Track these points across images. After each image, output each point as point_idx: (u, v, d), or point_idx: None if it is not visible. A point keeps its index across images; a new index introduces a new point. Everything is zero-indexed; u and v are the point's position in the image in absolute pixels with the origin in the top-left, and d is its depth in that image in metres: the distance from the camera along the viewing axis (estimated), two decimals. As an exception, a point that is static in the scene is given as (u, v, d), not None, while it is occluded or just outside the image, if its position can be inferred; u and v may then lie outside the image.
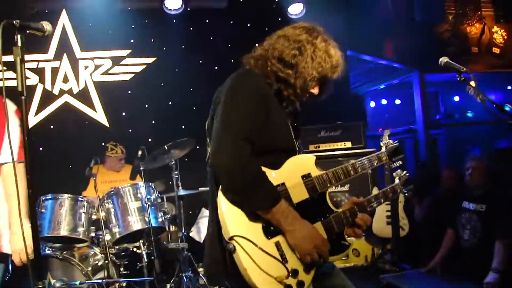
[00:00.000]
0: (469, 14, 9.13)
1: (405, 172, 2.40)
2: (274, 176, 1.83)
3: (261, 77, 1.93)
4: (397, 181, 2.35)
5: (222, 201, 1.73)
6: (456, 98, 10.80)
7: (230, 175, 1.71)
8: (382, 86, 9.56)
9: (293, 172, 1.90)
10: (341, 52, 2.04)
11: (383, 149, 2.33)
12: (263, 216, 1.74)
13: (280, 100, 1.96)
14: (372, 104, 10.38)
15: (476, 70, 8.78)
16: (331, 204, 1.98)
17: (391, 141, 2.37)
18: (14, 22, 1.62)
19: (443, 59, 2.65)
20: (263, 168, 1.80)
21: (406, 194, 2.38)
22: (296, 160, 1.93)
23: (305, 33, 1.97)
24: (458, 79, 2.63)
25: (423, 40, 8.39)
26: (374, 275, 4.80)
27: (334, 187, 2.05)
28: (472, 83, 2.60)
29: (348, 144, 5.61)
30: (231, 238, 1.68)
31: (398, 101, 10.46)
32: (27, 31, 1.72)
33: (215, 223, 1.81)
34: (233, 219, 1.71)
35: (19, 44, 1.63)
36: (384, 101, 10.30)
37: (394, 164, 2.35)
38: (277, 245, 1.76)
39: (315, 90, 2.02)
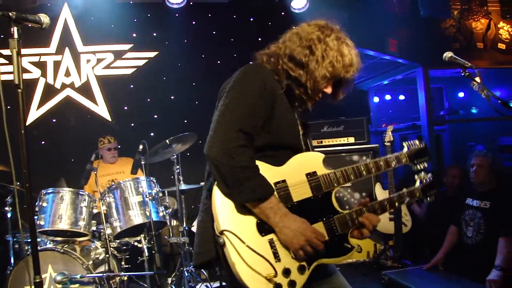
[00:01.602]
0: (475, 9, 9.05)
1: (429, 175, 2.28)
2: (275, 172, 1.80)
3: (270, 73, 1.90)
4: (417, 184, 2.23)
5: (215, 193, 1.71)
6: (461, 94, 10.74)
7: (217, 165, 1.70)
8: (385, 82, 9.50)
9: (297, 170, 1.86)
10: (356, 50, 1.99)
11: (405, 149, 2.22)
12: (253, 210, 1.72)
13: (290, 98, 1.93)
14: (376, 99, 10.32)
15: (481, 66, 8.73)
16: (336, 205, 1.93)
17: (417, 142, 2.27)
18: (10, 14, 1.60)
19: (447, 54, 2.62)
20: (264, 164, 1.78)
21: (428, 200, 2.26)
22: (302, 157, 1.90)
23: (317, 31, 1.91)
24: (462, 74, 2.59)
25: (428, 36, 8.34)
26: (376, 271, 4.80)
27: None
28: (477, 79, 2.57)
29: (351, 140, 5.60)
30: (222, 232, 1.66)
31: (402, 97, 10.40)
32: (25, 24, 1.69)
33: (205, 212, 1.81)
34: (226, 212, 1.70)
35: (16, 36, 1.60)
36: (387, 97, 10.24)
37: (417, 166, 2.23)
38: (271, 242, 1.74)
39: (328, 90, 1.96)
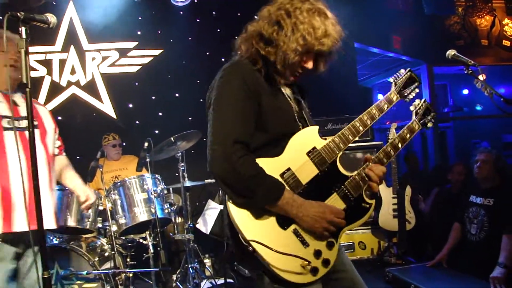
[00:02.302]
0: (479, 6, 9.03)
1: (423, 100, 2.27)
2: (277, 163, 1.79)
3: (247, 65, 1.84)
4: (413, 117, 2.21)
5: (230, 207, 1.72)
6: (465, 91, 10.71)
7: (226, 183, 1.70)
8: (389, 79, 9.50)
9: (297, 152, 1.84)
10: (331, 19, 1.84)
11: (393, 87, 2.16)
12: (271, 209, 1.73)
13: (271, 83, 1.88)
14: (380, 96, 10.30)
15: (486, 63, 8.71)
16: (344, 171, 1.93)
17: (402, 71, 2.20)
18: (19, 14, 1.62)
19: (451, 52, 2.63)
20: (265, 160, 1.77)
21: (428, 127, 2.26)
22: (298, 138, 1.86)
23: (287, 4, 1.82)
24: (465, 72, 2.60)
25: (432, 33, 8.33)
26: (380, 268, 4.81)
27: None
28: (481, 77, 2.58)
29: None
30: (248, 242, 1.68)
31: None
32: (33, 24, 1.71)
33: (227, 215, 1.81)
34: (245, 222, 1.71)
35: (24, 36, 1.62)
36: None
37: (408, 97, 2.19)
38: (295, 232, 1.77)
39: (309, 64, 1.88)
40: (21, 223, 2.32)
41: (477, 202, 4.13)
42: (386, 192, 5.18)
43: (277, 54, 1.81)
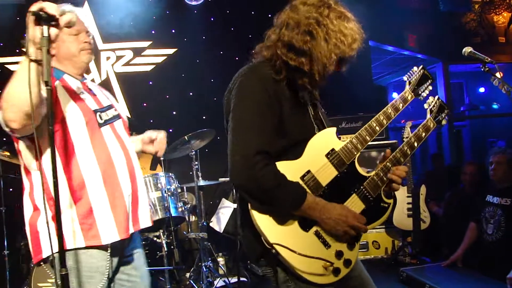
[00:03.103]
0: (497, 2, 8.91)
1: (436, 97, 2.25)
2: (297, 166, 1.80)
3: (268, 72, 1.82)
4: (428, 115, 2.20)
5: (253, 214, 1.72)
6: (481, 89, 10.59)
7: (249, 192, 1.71)
8: (403, 78, 9.43)
9: (316, 155, 1.85)
10: (354, 22, 1.84)
11: (407, 86, 2.15)
12: (294, 213, 1.74)
13: (293, 90, 1.85)
14: (395, 95, 10.25)
15: (503, 61, 8.60)
16: (362, 171, 1.94)
17: (415, 69, 2.18)
18: (41, 12, 1.63)
19: (467, 49, 2.59)
20: (285, 163, 1.76)
21: (443, 124, 2.24)
22: (316, 140, 1.86)
23: (315, 13, 1.79)
24: (482, 69, 2.57)
25: (448, 30, 8.24)
26: (394, 267, 4.78)
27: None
28: (498, 74, 2.54)
29: (370, 136, 5.56)
30: (271, 245, 1.69)
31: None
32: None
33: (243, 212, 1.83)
34: (268, 227, 1.72)
35: (45, 34, 1.63)
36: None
37: (422, 95, 2.18)
38: (317, 234, 1.78)
39: (342, 70, 1.91)
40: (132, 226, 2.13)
41: (493, 202, 4.08)
42: (400, 191, 5.14)
43: (312, 65, 1.78)
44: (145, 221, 2.25)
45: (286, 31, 1.81)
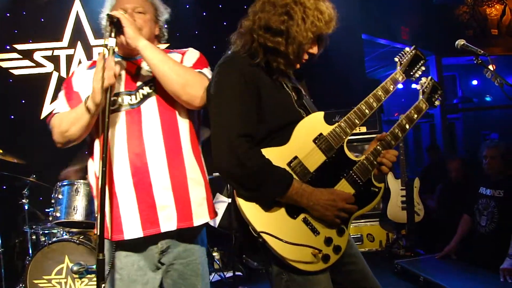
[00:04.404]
0: (489, -6, 8.93)
1: (429, 78, 2.21)
2: (284, 152, 1.77)
3: (243, 58, 1.83)
4: (420, 96, 2.17)
5: (239, 201, 1.72)
6: (474, 82, 10.63)
7: (233, 178, 1.70)
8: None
9: (304, 140, 1.82)
10: (327, 1, 1.85)
11: (398, 67, 2.11)
12: (281, 200, 1.73)
13: (271, 75, 1.85)
14: (388, 88, 10.25)
15: (496, 53, 8.63)
16: (351, 155, 1.91)
17: (407, 49, 2.15)
18: (114, 17, 1.85)
19: (460, 42, 2.60)
20: (271, 150, 1.75)
21: (436, 105, 2.20)
22: (303, 125, 1.83)
23: None
24: (475, 62, 2.58)
25: (440, 23, 8.25)
26: (388, 260, 4.81)
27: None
28: (491, 67, 2.55)
29: (363, 129, 5.58)
30: (258, 234, 1.68)
31: (414, 86, 10.33)
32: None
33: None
34: (254, 215, 1.70)
35: (113, 35, 1.85)
36: (399, 86, 10.14)
37: (414, 76, 2.15)
38: (305, 220, 1.76)
39: (314, 50, 1.88)
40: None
41: (487, 194, 4.11)
42: (394, 184, 5.16)
43: (288, 44, 1.78)
44: (167, 225, 1.97)
45: (262, 14, 1.82)
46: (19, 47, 5.84)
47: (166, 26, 2.32)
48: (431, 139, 9.64)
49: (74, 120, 1.95)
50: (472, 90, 10.57)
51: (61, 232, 4.06)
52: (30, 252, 4.13)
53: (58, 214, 3.93)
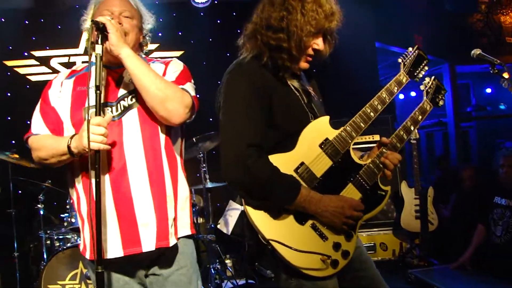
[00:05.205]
0: (504, 2, 8.86)
1: (432, 78, 2.20)
2: (291, 158, 1.78)
3: (252, 64, 1.83)
4: (424, 96, 2.14)
5: (248, 209, 1.73)
6: (488, 90, 10.54)
7: (241, 187, 1.72)
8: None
9: (310, 146, 1.82)
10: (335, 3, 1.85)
11: (401, 68, 2.08)
12: (289, 208, 1.73)
13: (280, 78, 1.86)
14: (401, 96, 10.21)
15: (510, 61, 8.55)
16: (357, 159, 1.91)
17: (410, 49, 2.13)
18: (100, 23, 1.76)
19: (476, 51, 2.58)
20: (278, 156, 1.75)
21: (440, 104, 2.18)
22: (309, 130, 1.83)
23: None
24: (491, 71, 2.56)
25: (454, 31, 8.21)
26: (402, 269, 4.76)
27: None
28: (505, 75, 2.53)
29: (377, 137, 5.55)
30: (267, 241, 1.69)
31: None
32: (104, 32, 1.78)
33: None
34: (263, 223, 1.71)
35: (99, 42, 1.76)
36: (413, 94, 10.12)
37: (418, 76, 2.12)
38: (313, 226, 1.77)
39: (320, 46, 1.85)
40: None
41: (502, 204, 4.07)
42: (408, 193, 5.12)
43: (290, 40, 1.79)
44: (148, 244, 1.87)
45: (263, 14, 1.84)
46: (37, 53, 5.94)
47: (149, 35, 2.25)
48: (444, 148, 9.57)
49: (54, 153, 1.85)
50: (486, 98, 10.48)
51: (75, 238, 4.10)
52: (45, 257, 4.17)
53: (73, 220, 3.97)
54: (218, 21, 6.60)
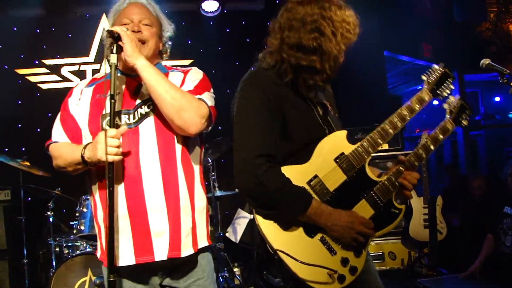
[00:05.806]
0: (512, 11, 8.85)
1: (458, 98, 2.13)
2: (304, 170, 1.78)
3: (268, 77, 1.82)
4: (447, 116, 2.09)
5: (258, 219, 1.74)
6: (497, 99, 10.49)
7: (252, 197, 1.73)
8: (419, 87, 9.38)
9: (325, 159, 1.81)
10: (351, 9, 1.84)
11: (425, 85, 2.03)
12: (299, 219, 1.73)
13: (297, 92, 1.85)
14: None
15: (519, 70, 8.51)
16: (372, 175, 1.89)
17: (435, 67, 2.06)
18: (115, 32, 1.78)
19: (485, 61, 2.57)
20: (292, 168, 1.76)
21: (463, 125, 2.11)
22: (325, 143, 1.83)
23: (317, 9, 1.77)
24: (500, 81, 2.55)
25: (462, 40, 8.20)
26: (410, 279, 4.73)
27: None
28: (514, 83, 2.53)
29: (385, 146, 5.54)
30: (275, 251, 1.69)
31: (436, 102, 10.22)
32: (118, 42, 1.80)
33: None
34: (273, 233, 1.72)
35: (114, 51, 1.77)
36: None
37: (442, 95, 2.06)
38: (322, 240, 1.77)
39: (343, 59, 1.87)
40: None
41: (511, 214, 4.04)
42: (417, 202, 5.10)
43: (324, 61, 1.78)
44: (161, 254, 1.86)
45: (291, 33, 1.80)
46: (48, 62, 6.00)
47: (170, 43, 2.25)
48: (453, 156, 9.52)
49: (70, 162, 1.89)
50: (495, 106, 10.43)
51: (85, 245, 4.11)
52: (54, 264, 4.19)
53: (82, 228, 3.99)
54: (228, 30, 6.63)
